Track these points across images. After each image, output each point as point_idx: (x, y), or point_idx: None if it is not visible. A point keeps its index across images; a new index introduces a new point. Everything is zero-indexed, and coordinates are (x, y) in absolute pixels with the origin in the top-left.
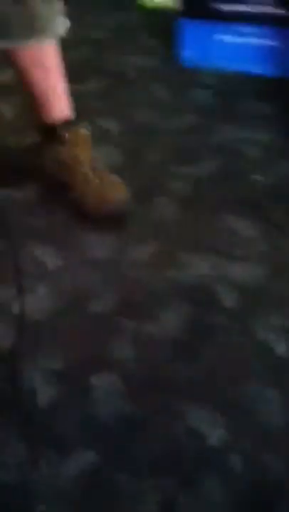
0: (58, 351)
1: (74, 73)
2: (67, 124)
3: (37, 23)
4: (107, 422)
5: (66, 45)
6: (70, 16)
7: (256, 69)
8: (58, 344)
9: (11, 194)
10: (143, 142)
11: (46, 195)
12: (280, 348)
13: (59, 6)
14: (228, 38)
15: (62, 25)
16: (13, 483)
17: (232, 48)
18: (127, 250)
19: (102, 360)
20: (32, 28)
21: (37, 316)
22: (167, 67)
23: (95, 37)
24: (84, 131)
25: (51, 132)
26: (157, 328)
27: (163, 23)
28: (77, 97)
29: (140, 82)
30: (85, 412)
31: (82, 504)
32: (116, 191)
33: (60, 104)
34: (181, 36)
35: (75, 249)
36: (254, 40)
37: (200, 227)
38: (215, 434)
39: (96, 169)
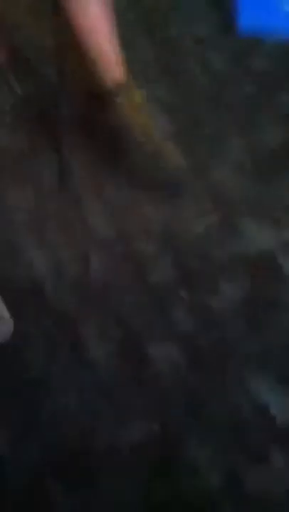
0: (117, 320)
1: (125, 39)
2: (121, 88)
3: None
4: (167, 392)
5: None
6: None
7: None
8: (116, 313)
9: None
10: (199, 112)
11: (98, 164)
12: None
13: None
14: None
15: None
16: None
17: None
18: (184, 220)
19: (161, 330)
20: None
21: (94, 284)
22: (223, 36)
23: (146, 2)
24: (138, 96)
25: (104, 97)
26: (217, 299)
27: None
28: (130, 64)
29: (195, 49)
30: (145, 383)
31: (142, 475)
32: (171, 159)
33: (113, 68)
34: (238, 3)
35: (131, 218)
36: None
37: (261, 199)
38: (280, 410)
39: (150, 136)
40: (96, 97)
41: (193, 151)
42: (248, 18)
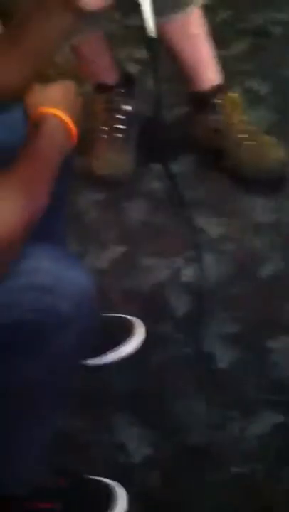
0: (233, 316)
1: (217, 37)
2: (218, 90)
3: None
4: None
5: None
6: None
7: None
8: (231, 309)
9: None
10: None
11: (202, 164)
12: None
13: None
14: None
15: None
16: (199, 446)
17: None
18: None
19: (277, 323)
20: (178, 1)
21: (207, 283)
22: None
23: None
24: (234, 95)
25: (202, 100)
26: None
27: None
28: (223, 61)
29: (286, 39)
30: (265, 375)
31: (270, 464)
32: (273, 152)
33: (209, 71)
34: None
35: (236, 215)
36: None
37: None
38: None
39: (250, 132)
40: (195, 100)
41: None
42: None
